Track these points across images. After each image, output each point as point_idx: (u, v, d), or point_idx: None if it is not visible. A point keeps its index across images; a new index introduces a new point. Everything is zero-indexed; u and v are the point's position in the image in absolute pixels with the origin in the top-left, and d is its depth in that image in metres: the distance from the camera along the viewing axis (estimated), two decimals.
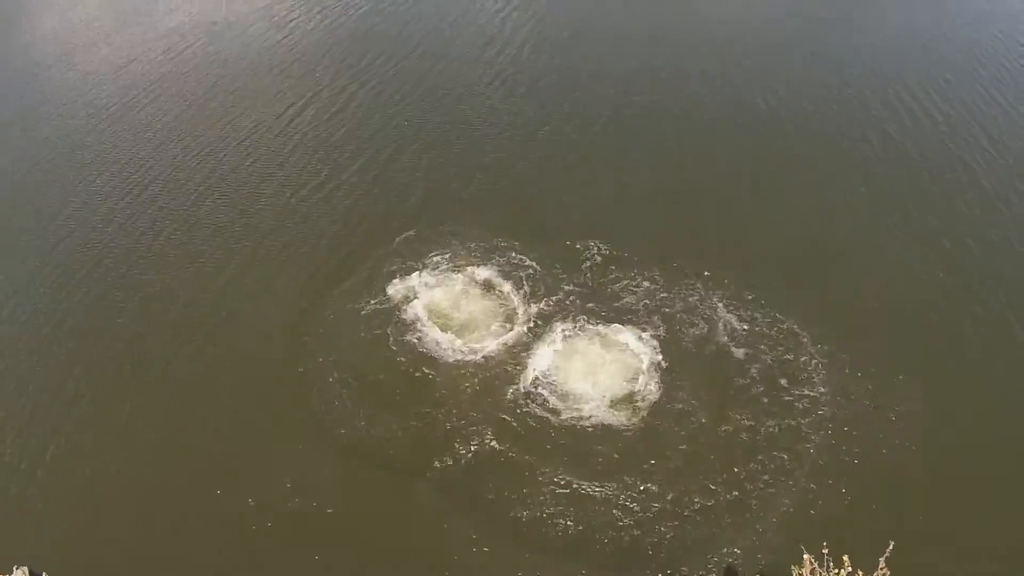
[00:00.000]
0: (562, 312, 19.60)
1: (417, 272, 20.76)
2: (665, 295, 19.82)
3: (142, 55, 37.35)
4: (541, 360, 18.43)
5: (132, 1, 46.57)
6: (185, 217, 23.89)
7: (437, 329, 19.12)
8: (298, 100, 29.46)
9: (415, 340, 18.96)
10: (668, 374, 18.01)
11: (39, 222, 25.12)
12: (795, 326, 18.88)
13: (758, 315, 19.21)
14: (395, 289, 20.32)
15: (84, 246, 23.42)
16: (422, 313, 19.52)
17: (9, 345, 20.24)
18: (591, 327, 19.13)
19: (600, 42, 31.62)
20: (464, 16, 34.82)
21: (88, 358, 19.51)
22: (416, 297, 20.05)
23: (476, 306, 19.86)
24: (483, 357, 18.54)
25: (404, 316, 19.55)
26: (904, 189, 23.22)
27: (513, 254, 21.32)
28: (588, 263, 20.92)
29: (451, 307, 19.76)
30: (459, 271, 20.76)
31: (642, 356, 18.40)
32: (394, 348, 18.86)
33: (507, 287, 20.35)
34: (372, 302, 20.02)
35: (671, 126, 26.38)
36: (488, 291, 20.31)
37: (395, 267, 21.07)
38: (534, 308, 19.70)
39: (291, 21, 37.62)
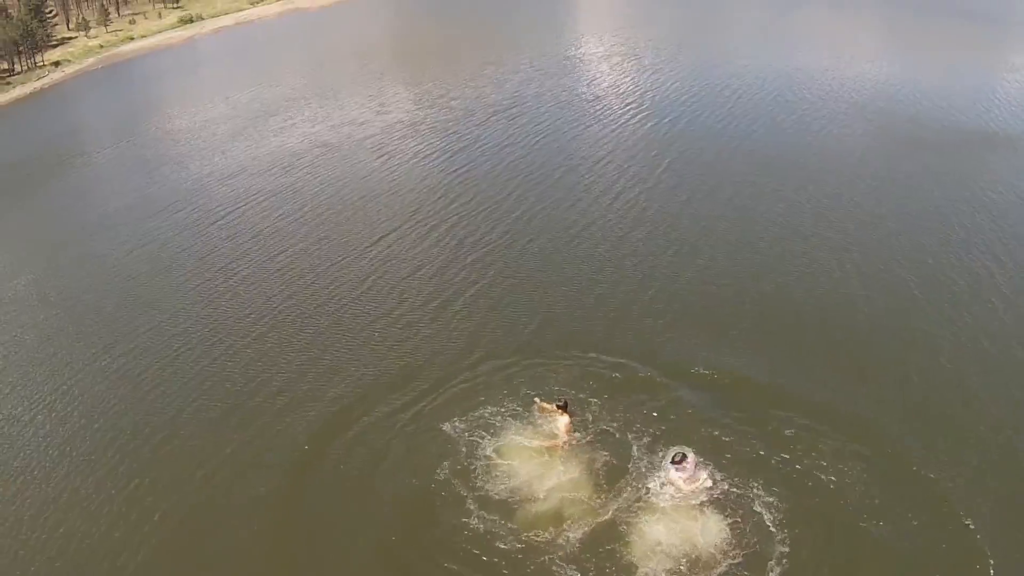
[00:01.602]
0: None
1: (487, 414, 18.62)
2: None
3: (251, 166, 39.59)
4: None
5: (251, 113, 50.19)
6: (258, 333, 23.92)
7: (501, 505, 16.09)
8: (388, 229, 30.18)
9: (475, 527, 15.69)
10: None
11: (126, 311, 26.07)
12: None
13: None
14: (454, 429, 18.13)
15: (160, 338, 23.81)
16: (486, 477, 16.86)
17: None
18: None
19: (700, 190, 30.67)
20: (560, 161, 35.71)
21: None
22: (483, 446, 17.65)
23: (560, 476, 16.72)
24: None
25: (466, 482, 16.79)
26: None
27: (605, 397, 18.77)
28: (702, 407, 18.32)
29: (525, 472, 16.82)
30: (540, 416, 18.27)
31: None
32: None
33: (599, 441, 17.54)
34: (430, 448, 17.93)
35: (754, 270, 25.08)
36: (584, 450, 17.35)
37: (461, 408, 19.03)
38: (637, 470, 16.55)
39: (393, 151, 39.52)
